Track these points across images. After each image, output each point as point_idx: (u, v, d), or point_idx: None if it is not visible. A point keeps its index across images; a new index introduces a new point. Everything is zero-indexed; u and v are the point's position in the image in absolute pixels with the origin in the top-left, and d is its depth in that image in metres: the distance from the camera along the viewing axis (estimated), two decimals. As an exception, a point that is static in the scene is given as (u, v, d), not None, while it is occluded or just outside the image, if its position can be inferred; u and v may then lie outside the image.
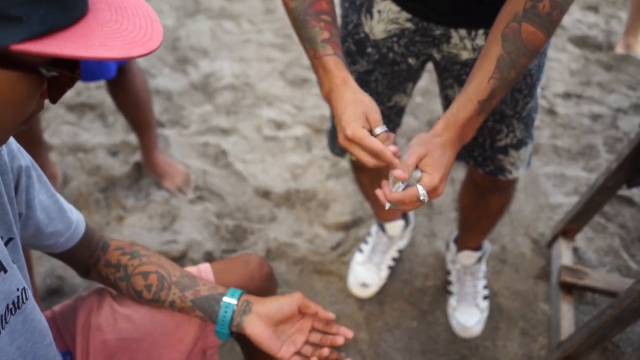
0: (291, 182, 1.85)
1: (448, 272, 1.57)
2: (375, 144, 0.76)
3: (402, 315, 1.53)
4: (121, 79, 1.54)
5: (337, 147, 1.24)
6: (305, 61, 2.27)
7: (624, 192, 1.81)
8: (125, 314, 0.83)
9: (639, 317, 1.17)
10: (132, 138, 1.90)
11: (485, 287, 1.54)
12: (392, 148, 0.78)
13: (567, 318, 1.43)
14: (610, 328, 1.20)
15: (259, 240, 1.68)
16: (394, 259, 1.62)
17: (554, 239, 1.63)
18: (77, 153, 1.88)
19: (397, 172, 0.75)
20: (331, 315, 0.84)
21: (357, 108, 0.78)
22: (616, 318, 1.16)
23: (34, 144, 1.60)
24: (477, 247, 1.51)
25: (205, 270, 0.89)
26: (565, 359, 1.34)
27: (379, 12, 0.99)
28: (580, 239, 1.71)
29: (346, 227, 1.74)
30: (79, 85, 2.11)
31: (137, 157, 1.86)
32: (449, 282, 1.56)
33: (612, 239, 1.72)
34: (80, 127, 1.99)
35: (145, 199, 1.77)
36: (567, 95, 2.24)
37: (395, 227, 1.56)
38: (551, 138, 2.05)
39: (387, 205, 0.78)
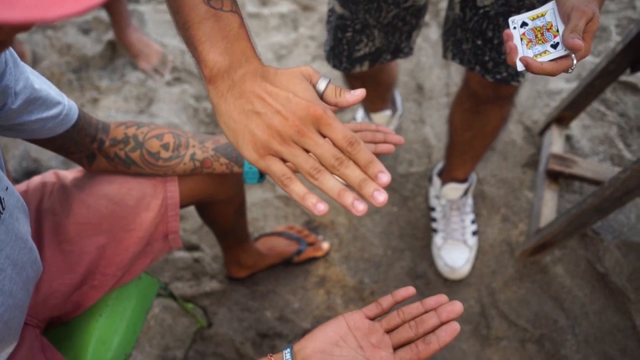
0: (274, 62, 1.74)
1: (432, 209, 1.46)
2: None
3: (384, 202, 1.52)
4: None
5: (343, 63, 1.06)
6: None
7: (628, 77, 1.70)
8: (79, 197, 0.80)
9: (620, 207, 1.14)
10: (105, 14, 1.75)
11: (473, 222, 1.44)
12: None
13: (549, 206, 1.41)
14: (589, 216, 1.18)
15: (240, 124, 1.62)
16: (379, 146, 1.57)
17: (546, 126, 1.56)
18: (46, 30, 1.76)
19: (576, 42, 0.61)
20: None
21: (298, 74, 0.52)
22: (597, 207, 1.13)
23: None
24: (464, 179, 1.40)
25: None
26: (543, 245, 1.35)
27: None
28: (575, 127, 1.64)
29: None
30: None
31: (110, 35, 1.74)
32: (433, 219, 1.45)
33: (610, 128, 1.65)
34: (48, 1, 1.83)
35: (120, 80, 1.68)
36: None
37: (382, 116, 1.48)
38: (559, 17, 1.89)
39: (520, 67, 0.67)
